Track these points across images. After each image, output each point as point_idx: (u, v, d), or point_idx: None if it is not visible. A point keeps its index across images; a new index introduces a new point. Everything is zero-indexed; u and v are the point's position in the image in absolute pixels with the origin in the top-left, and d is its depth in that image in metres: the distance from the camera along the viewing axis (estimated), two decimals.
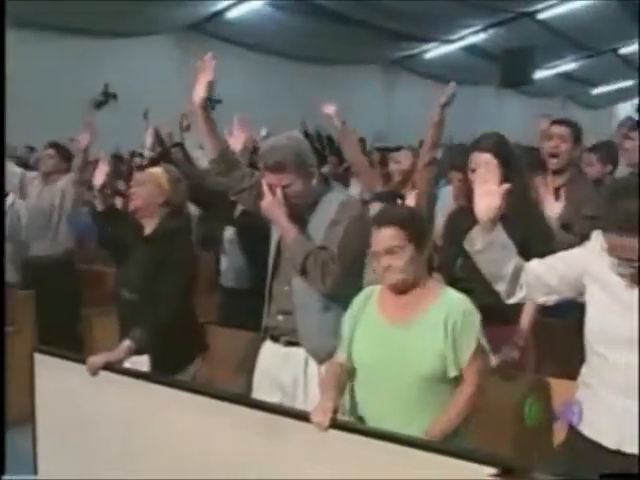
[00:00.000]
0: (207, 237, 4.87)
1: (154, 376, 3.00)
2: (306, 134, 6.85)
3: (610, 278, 2.23)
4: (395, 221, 2.51)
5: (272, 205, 2.95)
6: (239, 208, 4.22)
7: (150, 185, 3.43)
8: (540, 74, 18.14)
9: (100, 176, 3.90)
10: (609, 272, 2.22)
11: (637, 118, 10.14)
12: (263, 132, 6.30)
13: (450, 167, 4.65)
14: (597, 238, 2.29)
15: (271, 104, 12.70)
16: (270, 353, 3.11)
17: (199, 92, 3.03)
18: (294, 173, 2.94)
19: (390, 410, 2.48)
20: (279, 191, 2.94)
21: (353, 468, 2.26)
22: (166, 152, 5.12)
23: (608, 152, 4.73)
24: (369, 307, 2.61)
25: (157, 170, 3.54)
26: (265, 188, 2.97)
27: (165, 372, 3.08)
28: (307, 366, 3.00)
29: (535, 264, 2.40)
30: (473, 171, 3.18)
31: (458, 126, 7.24)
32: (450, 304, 2.46)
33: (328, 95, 5.00)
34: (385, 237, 2.49)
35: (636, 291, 2.19)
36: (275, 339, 3.09)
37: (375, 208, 2.95)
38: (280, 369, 3.04)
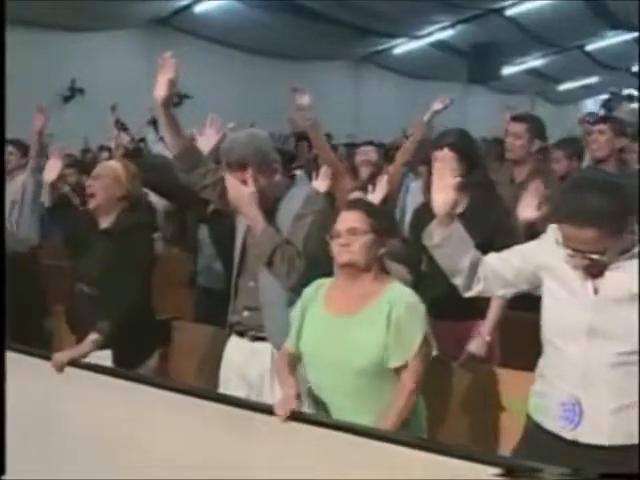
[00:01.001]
0: (177, 233, 4.84)
1: (119, 372, 3.00)
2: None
3: (565, 271, 2.27)
4: (363, 208, 2.62)
5: (241, 195, 2.95)
6: (212, 206, 4.21)
7: (108, 179, 3.41)
8: (508, 70, 18.29)
9: (51, 171, 3.86)
10: (564, 265, 2.26)
11: (602, 114, 10.23)
12: (230, 125, 6.24)
13: (420, 161, 4.68)
14: (552, 231, 2.33)
15: (240, 100, 12.67)
16: (236, 348, 3.12)
17: (160, 90, 3.00)
18: (255, 170, 2.94)
19: (341, 398, 2.53)
20: (250, 182, 2.93)
21: (323, 461, 2.28)
22: (138, 147, 5.09)
23: (574, 148, 4.82)
24: (318, 299, 2.66)
25: (115, 163, 3.52)
26: (234, 180, 2.97)
27: (126, 366, 3.08)
28: (274, 362, 3.00)
29: (492, 258, 2.43)
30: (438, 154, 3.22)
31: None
32: (394, 297, 2.51)
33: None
34: (350, 218, 2.57)
35: (590, 283, 2.23)
36: (241, 334, 3.10)
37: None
38: (246, 364, 3.05)
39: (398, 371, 2.49)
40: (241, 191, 2.94)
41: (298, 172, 3.24)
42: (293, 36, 13.60)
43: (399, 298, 2.50)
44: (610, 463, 2.14)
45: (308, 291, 2.69)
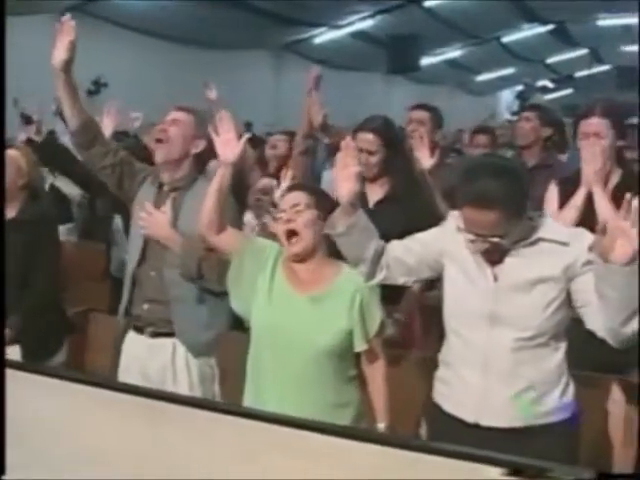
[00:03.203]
0: (92, 225, 4.76)
1: (28, 367, 2.92)
2: None
3: (466, 258, 2.32)
4: (305, 187, 2.66)
5: (156, 222, 2.92)
6: None
7: (9, 167, 3.32)
8: (427, 61, 18.48)
9: None
10: (465, 252, 2.32)
11: (518, 103, 10.46)
12: (135, 115, 6.14)
13: (331, 148, 4.69)
14: (453, 218, 2.38)
15: (159, 88, 12.48)
16: (135, 344, 3.04)
17: (59, 54, 2.88)
18: (192, 121, 3.00)
19: (283, 384, 2.51)
20: (168, 210, 2.92)
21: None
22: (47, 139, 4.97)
23: (492, 134, 5.12)
24: (278, 269, 2.61)
25: (14, 152, 3.44)
26: (149, 208, 2.93)
27: (34, 360, 3.02)
28: (174, 357, 2.97)
29: (395, 245, 2.45)
30: (360, 151, 3.23)
31: (345, 111, 7.29)
32: (356, 278, 2.51)
33: (217, 80, 4.93)
34: (292, 196, 2.58)
35: (490, 270, 2.28)
36: (139, 330, 3.02)
37: None
38: (146, 360, 2.99)
39: (356, 356, 2.53)
40: (155, 217, 2.91)
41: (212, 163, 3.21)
42: (213, 24, 13.44)
43: (361, 281, 2.50)
44: (511, 445, 2.17)
45: (265, 251, 2.63)
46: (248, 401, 2.57)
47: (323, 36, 17.04)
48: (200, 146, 3.02)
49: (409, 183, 3.32)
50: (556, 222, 2.44)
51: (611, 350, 2.55)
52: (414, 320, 3.35)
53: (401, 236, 2.49)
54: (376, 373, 2.57)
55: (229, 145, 2.66)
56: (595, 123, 3.05)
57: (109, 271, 4.59)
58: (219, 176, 2.64)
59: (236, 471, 2.09)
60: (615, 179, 3.07)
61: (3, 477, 1.98)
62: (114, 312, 4.10)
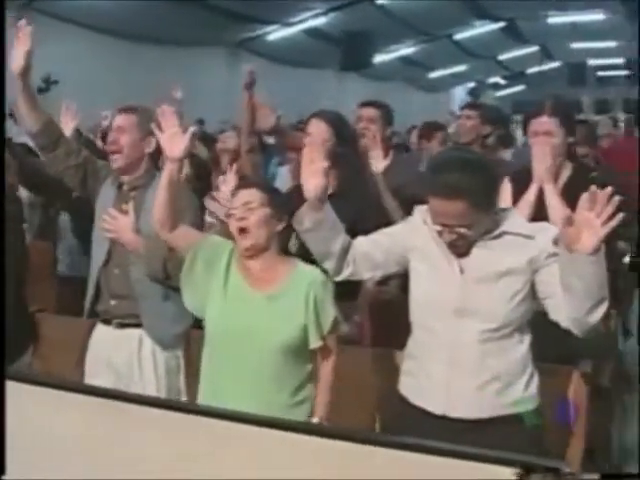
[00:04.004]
0: (43, 224, 4.70)
1: None
2: None
3: (432, 251, 2.35)
4: (258, 184, 2.65)
5: (120, 226, 2.92)
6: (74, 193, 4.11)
7: None
8: (380, 58, 18.55)
9: None
10: (431, 244, 2.35)
11: (469, 100, 10.61)
12: (105, 113, 6.09)
13: (285, 149, 4.69)
14: (419, 212, 2.41)
15: (111, 86, 12.34)
16: (102, 336, 3.06)
17: (18, 60, 2.88)
18: (137, 123, 3.00)
19: (239, 382, 2.51)
20: (131, 212, 2.92)
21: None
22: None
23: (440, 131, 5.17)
24: (232, 267, 2.60)
25: None
26: (113, 212, 2.93)
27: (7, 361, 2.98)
28: (141, 348, 2.99)
29: (361, 241, 2.47)
30: (308, 136, 3.25)
31: (298, 108, 7.30)
32: (310, 275, 2.53)
33: (171, 77, 4.91)
34: (244, 194, 2.56)
35: (456, 263, 2.31)
36: (107, 322, 3.04)
37: None
38: (113, 351, 3.01)
39: (311, 353, 2.54)
40: (121, 221, 2.91)
41: None
42: (167, 21, 13.32)
43: (314, 278, 2.52)
44: (478, 435, 2.22)
45: (219, 250, 2.62)
46: (203, 399, 2.57)
47: (276, 33, 17.00)
48: (152, 143, 3.01)
49: (358, 180, 3.33)
50: (520, 216, 2.49)
51: (565, 342, 2.61)
52: (369, 316, 3.37)
53: (347, 233, 2.49)
54: (326, 369, 2.59)
55: (174, 140, 2.62)
56: (545, 122, 3.09)
57: (55, 269, 4.54)
58: (167, 172, 2.62)
59: (196, 469, 2.09)
60: (566, 174, 3.12)
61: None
62: (63, 310, 4.08)
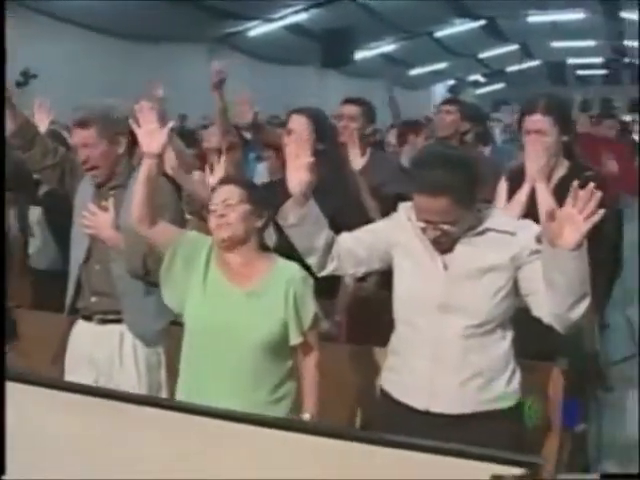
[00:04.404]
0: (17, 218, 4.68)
1: None
2: None
3: (416, 247, 2.37)
4: (237, 181, 2.63)
5: (100, 222, 2.90)
6: (44, 187, 4.10)
7: None
8: (361, 55, 18.56)
9: None
10: (415, 241, 2.37)
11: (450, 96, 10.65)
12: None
13: (262, 145, 4.70)
14: (403, 209, 2.43)
15: (93, 81, 12.27)
16: (83, 332, 3.05)
17: None
18: (98, 133, 2.91)
19: (219, 378, 2.50)
20: (111, 208, 2.89)
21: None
22: None
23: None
24: (211, 263, 2.60)
25: None
26: (93, 208, 2.91)
27: None
28: (122, 343, 2.98)
29: (345, 237, 2.48)
30: (289, 133, 3.25)
31: (278, 105, 7.29)
32: (289, 272, 2.53)
33: (153, 73, 4.88)
34: (224, 191, 2.55)
35: (440, 259, 2.33)
36: (88, 318, 3.04)
37: None
38: (94, 347, 3.00)
39: (291, 350, 2.55)
40: (100, 218, 2.89)
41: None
42: (148, 17, 13.27)
43: (294, 274, 2.52)
44: (461, 430, 2.25)
45: (198, 246, 2.61)
46: (182, 395, 2.57)
47: (257, 29, 16.96)
48: (123, 144, 3.00)
49: (338, 176, 3.34)
50: (503, 213, 2.51)
51: (544, 338, 2.64)
52: (348, 313, 3.38)
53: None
54: (309, 365, 2.59)
55: (152, 136, 2.60)
56: (538, 120, 3.06)
57: (27, 265, 4.53)
58: (145, 168, 2.61)
59: (191, 467, 2.09)
60: (560, 173, 3.10)
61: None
62: (37, 305, 4.06)
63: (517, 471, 1.54)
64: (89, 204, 2.94)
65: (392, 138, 6.15)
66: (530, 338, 2.56)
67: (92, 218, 2.90)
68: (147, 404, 2.23)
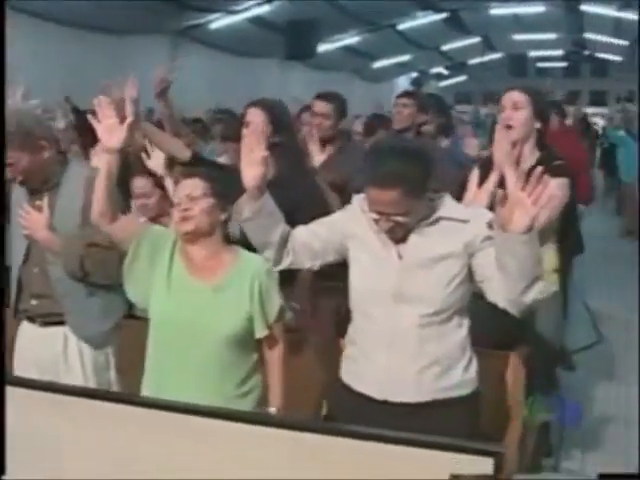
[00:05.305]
0: None
1: None
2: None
3: (370, 238, 2.38)
4: (201, 174, 2.59)
5: (35, 223, 2.83)
6: None
7: None
8: (324, 47, 18.55)
9: None
10: (369, 232, 2.38)
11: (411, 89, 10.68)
12: (34, 102, 5.95)
13: (222, 139, 4.68)
14: (357, 201, 2.45)
15: (54, 73, 12.13)
16: (27, 334, 3.00)
17: None
18: (18, 146, 2.80)
19: (185, 373, 2.50)
20: (45, 208, 2.83)
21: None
22: None
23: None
24: (175, 257, 2.58)
25: None
26: (26, 207, 2.85)
27: None
28: (67, 345, 2.94)
29: (301, 230, 2.48)
30: (246, 125, 3.24)
31: (241, 97, 7.25)
32: (254, 265, 2.52)
33: (114, 66, 4.83)
34: (188, 184, 2.54)
35: (394, 249, 2.35)
36: (31, 320, 2.98)
37: None
38: (38, 349, 2.95)
39: (257, 343, 2.55)
40: (34, 218, 2.83)
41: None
42: (109, 9, 13.13)
43: (260, 266, 2.51)
44: (419, 419, 2.28)
45: (161, 239, 2.59)
46: (148, 391, 2.56)
47: (220, 21, 16.86)
48: (46, 148, 2.90)
49: (297, 169, 3.33)
50: (455, 202, 2.52)
51: (502, 328, 2.66)
52: (309, 304, 3.38)
53: (286, 222, 2.48)
54: (275, 358, 2.60)
55: (112, 131, 2.55)
56: (515, 94, 3.19)
57: None
58: (105, 164, 2.57)
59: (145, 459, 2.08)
60: (531, 161, 3.12)
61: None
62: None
63: (477, 469, 1.55)
64: (24, 203, 2.88)
65: (358, 127, 6.14)
66: (492, 327, 2.60)
67: (27, 217, 2.83)
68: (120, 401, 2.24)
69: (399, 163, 2.24)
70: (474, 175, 3.32)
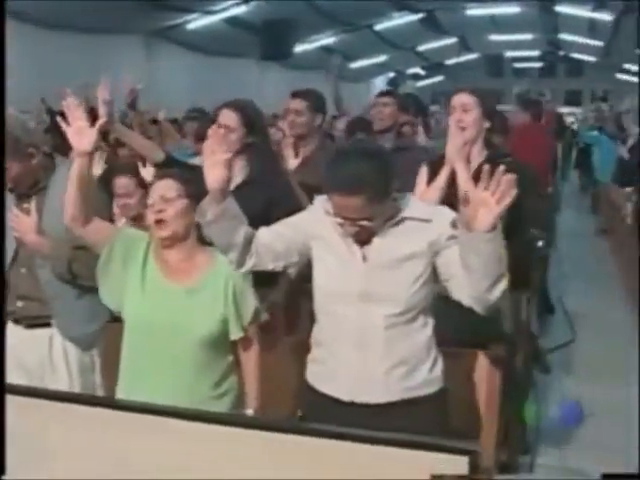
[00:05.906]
0: None
1: None
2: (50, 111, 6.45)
3: (334, 240, 2.38)
4: (174, 175, 2.60)
5: (24, 226, 2.81)
6: None
7: None
8: (301, 47, 18.54)
9: None
10: (334, 235, 2.37)
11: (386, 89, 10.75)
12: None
13: (196, 139, 4.66)
14: (320, 202, 2.44)
15: (28, 74, 12.05)
16: (12, 335, 2.96)
17: None
18: (7, 154, 2.79)
19: (160, 375, 2.50)
20: (33, 211, 2.81)
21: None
22: None
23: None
24: (149, 260, 2.57)
25: None
26: (17, 211, 2.83)
27: None
28: (52, 347, 2.93)
29: (263, 231, 2.46)
30: (219, 127, 3.22)
31: (218, 98, 7.23)
32: (228, 266, 2.49)
33: (88, 66, 4.80)
34: (161, 186, 2.54)
35: (359, 250, 2.35)
36: (16, 321, 2.97)
37: None
38: (23, 351, 2.93)
39: (232, 345, 2.55)
40: (23, 222, 2.81)
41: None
42: (85, 8, 13.06)
43: (232, 269, 2.49)
44: (387, 419, 2.29)
45: (135, 240, 2.59)
46: (123, 393, 2.55)
47: (196, 22, 16.81)
48: (34, 155, 2.90)
49: (270, 170, 3.32)
50: (419, 201, 2.53)
51: (474, 327, 2.67)
52: (284, 305, 3.37)
53: (257, 223, 2.48)
54: (250, 359, 2.60)
55: (83, 134, 2.54)
56: (463, 96, 3.21)
57: None
58: (77, 167, 2.55)
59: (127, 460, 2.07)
60: (479, 160, 3.17)
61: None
62: None
63: (459, 469, 1.56)
64: (12, 207, 2.87)
65: (341, 124, 6.10)
66: (465, 324, 2.61)
67: (16, 220, 2.82)
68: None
69: (359, 168, 2.23)
70: (423, 173, 3.32)
